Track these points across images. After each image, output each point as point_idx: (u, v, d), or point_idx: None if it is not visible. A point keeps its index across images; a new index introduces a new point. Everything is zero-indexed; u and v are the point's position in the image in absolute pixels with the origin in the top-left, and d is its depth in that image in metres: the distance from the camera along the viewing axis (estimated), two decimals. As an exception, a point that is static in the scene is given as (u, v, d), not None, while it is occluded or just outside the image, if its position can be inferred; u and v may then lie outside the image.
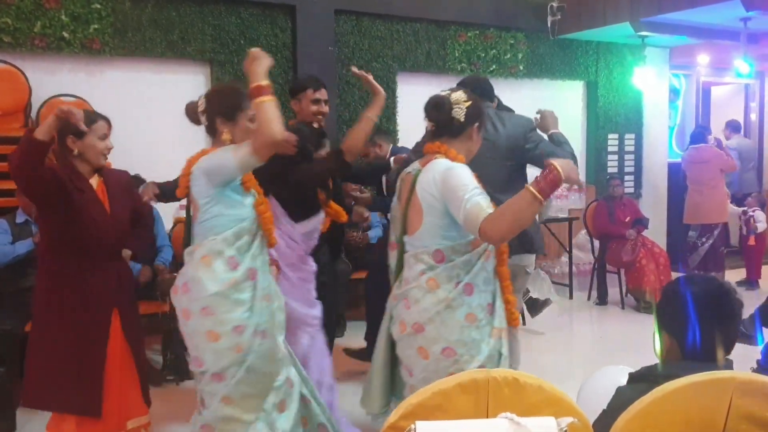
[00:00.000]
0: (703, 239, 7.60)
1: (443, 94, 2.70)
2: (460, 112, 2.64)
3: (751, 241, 7.60)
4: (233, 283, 2.75)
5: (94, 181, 3.16)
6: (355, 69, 3.59)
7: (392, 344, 2.80)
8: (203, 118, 2.89)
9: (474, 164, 2.67)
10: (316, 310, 3.58)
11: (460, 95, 2.68)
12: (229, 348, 2.75)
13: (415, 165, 2.76)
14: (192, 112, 2.96)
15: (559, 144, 3.54)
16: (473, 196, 2.43)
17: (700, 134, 7.80)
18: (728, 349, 1.96)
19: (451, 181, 2.51)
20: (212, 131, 2.90)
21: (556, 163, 2.34)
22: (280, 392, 2.93)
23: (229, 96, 2.90)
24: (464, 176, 2.52)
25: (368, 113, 3.57)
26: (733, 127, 9.33)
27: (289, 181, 3.35)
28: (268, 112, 2.59)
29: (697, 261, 7.62)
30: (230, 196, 2.78)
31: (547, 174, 2.33)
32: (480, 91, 3.32)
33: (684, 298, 1.95)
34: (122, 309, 3.20)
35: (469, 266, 2.58)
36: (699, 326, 1.91)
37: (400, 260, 2.75)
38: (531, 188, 2.31)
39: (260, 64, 2.64)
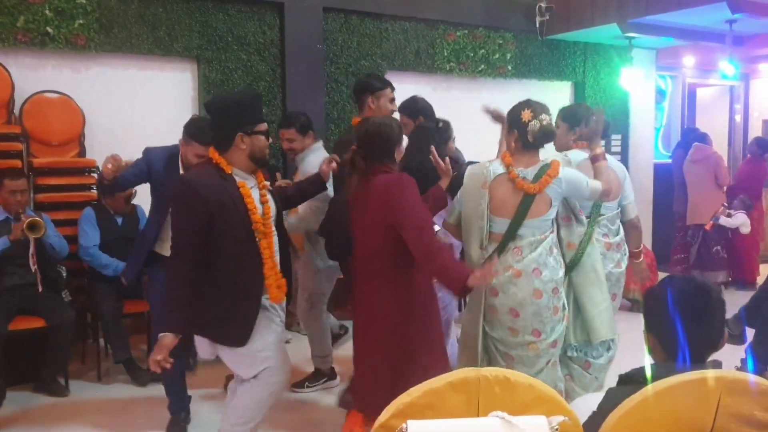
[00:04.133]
0: (697, 239, 7.68)
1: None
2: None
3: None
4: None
5: None
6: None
7: None
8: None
9: None
10: None
11: None
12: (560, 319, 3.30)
13: None
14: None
15: None
16: None
17: (702, 136, 7.90)
18: (711, 349, 1.96)
19: None
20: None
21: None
22: None
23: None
24: None
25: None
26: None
27: None
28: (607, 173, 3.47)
29: (692, 260, 7.70)
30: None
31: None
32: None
33: (663, 299, 1.96)
34: None
35: None
36: (679, 327, 1.92)
37: None
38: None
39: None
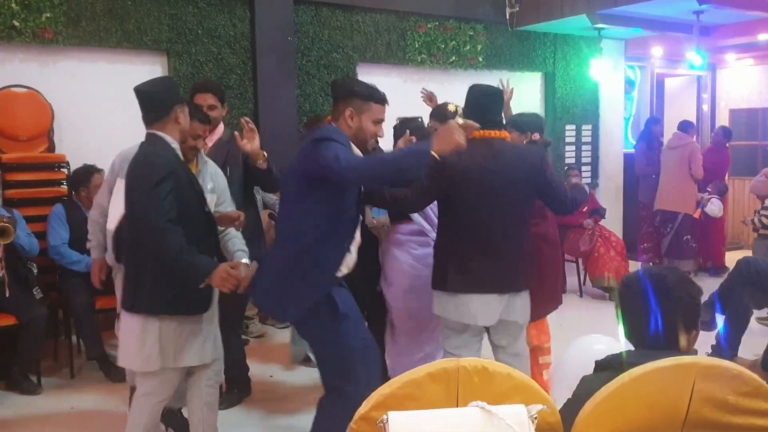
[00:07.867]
0: (668, 227, 7.76)
1: None
2: None
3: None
4: None
5: None
6: None
7: None
8: None
9: None
10: None
11: None
12: None
13: None
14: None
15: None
16: None
17: (686, 125, 7.96)
18: (689, 339, 2.00)
19: None
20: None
21: None
22: None
23: None
24: None
25: None
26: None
27: None
28: None
29: (664, 249, 7.79)
30: None
31: None
32: None
33: (641, 290, 1.99)
34: None
35: None
36: (658, 319, 1.95)
37: None
38: None
39: None
